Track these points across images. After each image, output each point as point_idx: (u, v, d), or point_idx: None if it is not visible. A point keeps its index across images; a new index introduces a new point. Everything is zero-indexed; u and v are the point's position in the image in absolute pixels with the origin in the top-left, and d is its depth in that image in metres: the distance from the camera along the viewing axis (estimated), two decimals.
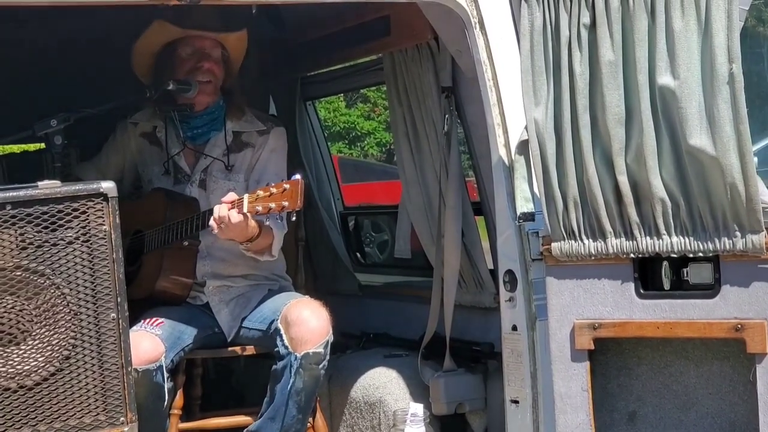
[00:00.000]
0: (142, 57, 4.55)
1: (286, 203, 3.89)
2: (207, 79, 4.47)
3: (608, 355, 3.66)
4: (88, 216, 3.33)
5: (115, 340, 3.36)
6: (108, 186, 3.37)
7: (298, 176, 3.93)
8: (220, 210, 4.01)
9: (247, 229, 4.10)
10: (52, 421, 3.30)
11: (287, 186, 3.90)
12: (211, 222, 4.02)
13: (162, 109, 4.55)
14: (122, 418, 3.38)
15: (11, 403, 3.26)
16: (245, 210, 3.95)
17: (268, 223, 4.16)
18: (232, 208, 3.99)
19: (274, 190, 3.91)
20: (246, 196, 3.97)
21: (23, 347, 3.28)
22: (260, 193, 3.94)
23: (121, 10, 4.03)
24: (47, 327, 3.30)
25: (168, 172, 4.58)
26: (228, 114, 4.58)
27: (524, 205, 3.88)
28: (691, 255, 3.46)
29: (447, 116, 4.67)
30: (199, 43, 4.48)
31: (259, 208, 3.92)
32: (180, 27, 4.43)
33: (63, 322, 3.31)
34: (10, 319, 3.26)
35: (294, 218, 4.01)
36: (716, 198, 3.37)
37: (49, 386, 3.30)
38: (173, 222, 4.30)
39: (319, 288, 5.74)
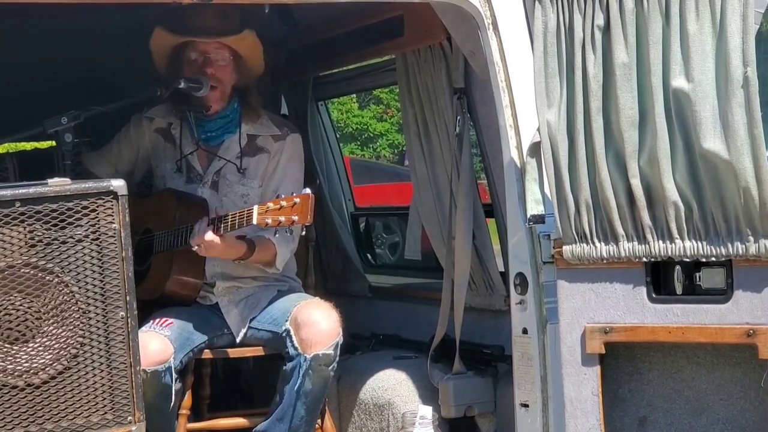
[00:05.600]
0: (156, 57, 4.55)
1: (296, 218, 3.88)
2: (212, 84, 4.44)
3: (619, 360, 3.64)
4: (97, 214, 3.33)
5: (124, 338, 3.35)
6: (118, 184, 3.36)
7: (308, 190, 3.92)
8: (197, 233, 4.07)
9: (227, 249, 4.15)
10: (59, 420, 3.29)
11: (297, 200, 3.88)
12: (193, 241, 4.08)
13: (177, 108, 4.54)
14: (130, 417, 3.38)
15: (19, 401, 3.25)
16: (254, 222, 3.94)
17: (277, 236, 4.15)
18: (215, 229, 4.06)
19: (284, 203, 3.89)
20: (256, 208, 3.94)
21: (31, 345, 3.27)
22: (270, 205, 3.92)
23: (129, 8, 4.03)
24: (55, 325, 3.29)
25: (180, 170, 4.56)
26: (243, 116, 4.56)
27: (535, 208, 3.86)
28: (703, 259, 3.45)
29: (459, 117, 4.65)
30: (202, 47, 4.45)
31: (269, 221, 3.91)
32: (176, 34, 4.41)
33: (71, 320, 3.31)
34: (19, 317, 3.26)
35: (304, 232, 3.99)
36: (729, 202, 3.35)
37: (56, 384, 3.30)
38: (183, 226, 4.28)
39: (329, 289, 5.73)
